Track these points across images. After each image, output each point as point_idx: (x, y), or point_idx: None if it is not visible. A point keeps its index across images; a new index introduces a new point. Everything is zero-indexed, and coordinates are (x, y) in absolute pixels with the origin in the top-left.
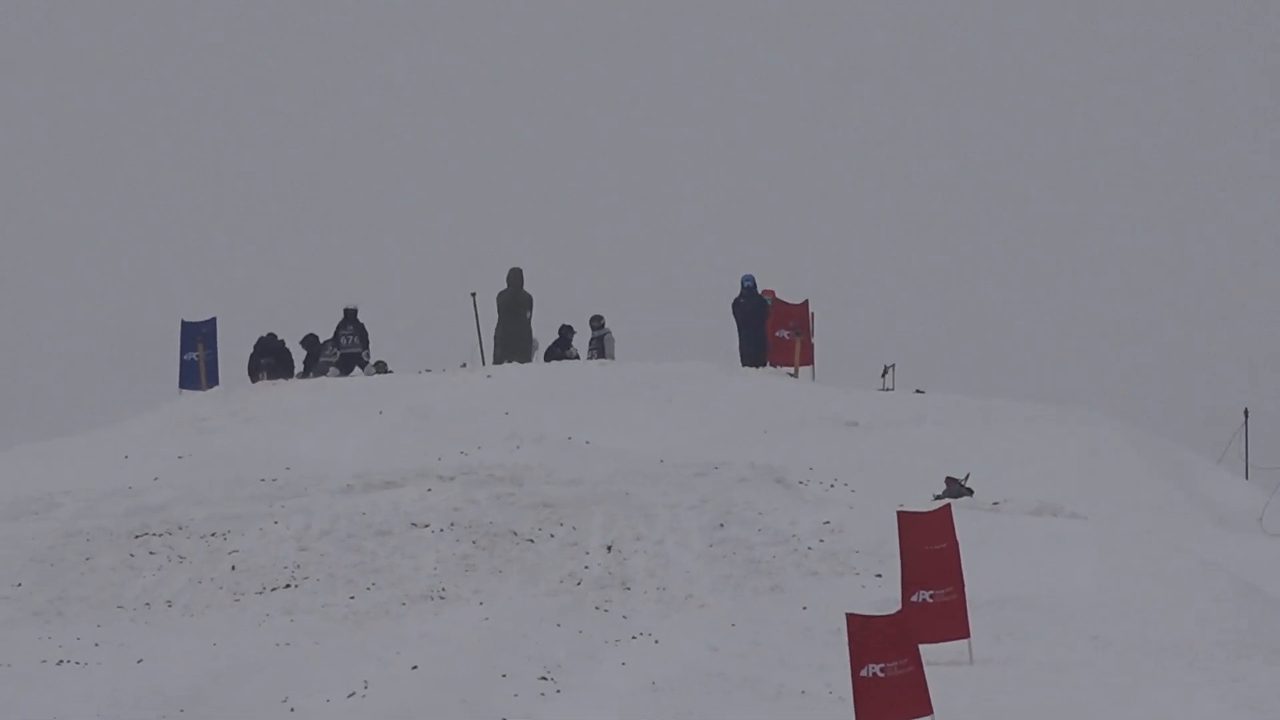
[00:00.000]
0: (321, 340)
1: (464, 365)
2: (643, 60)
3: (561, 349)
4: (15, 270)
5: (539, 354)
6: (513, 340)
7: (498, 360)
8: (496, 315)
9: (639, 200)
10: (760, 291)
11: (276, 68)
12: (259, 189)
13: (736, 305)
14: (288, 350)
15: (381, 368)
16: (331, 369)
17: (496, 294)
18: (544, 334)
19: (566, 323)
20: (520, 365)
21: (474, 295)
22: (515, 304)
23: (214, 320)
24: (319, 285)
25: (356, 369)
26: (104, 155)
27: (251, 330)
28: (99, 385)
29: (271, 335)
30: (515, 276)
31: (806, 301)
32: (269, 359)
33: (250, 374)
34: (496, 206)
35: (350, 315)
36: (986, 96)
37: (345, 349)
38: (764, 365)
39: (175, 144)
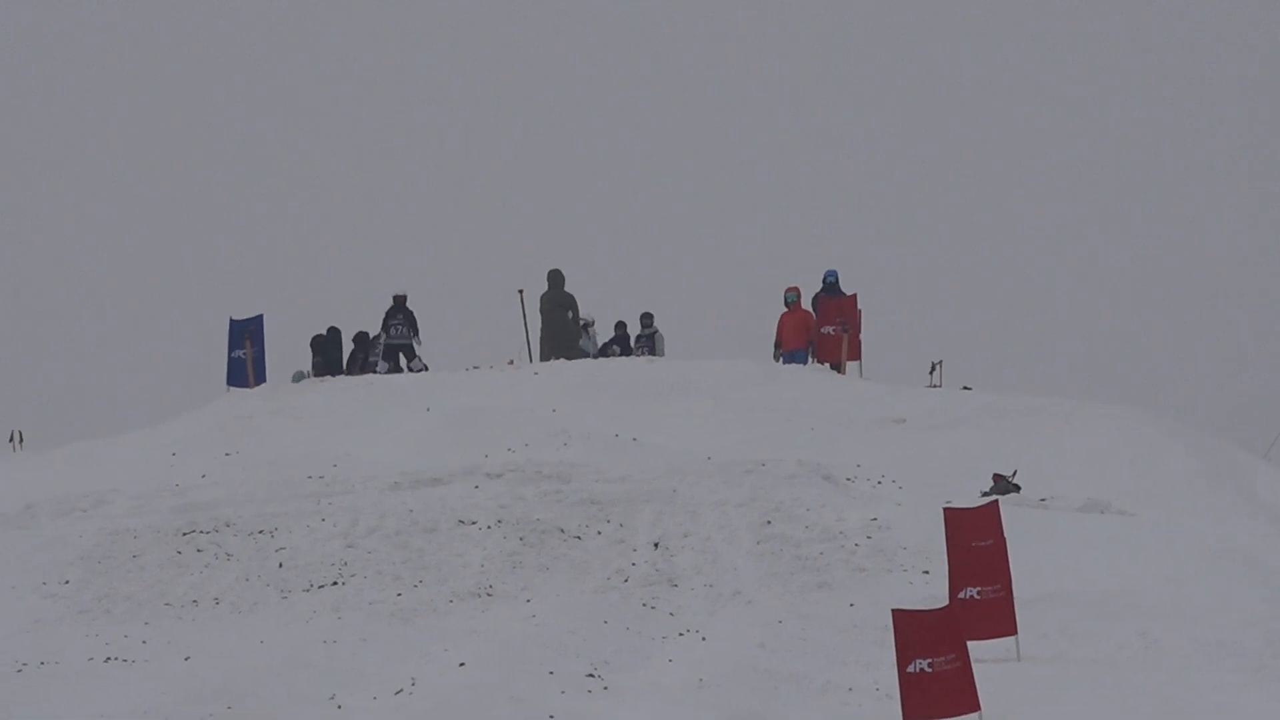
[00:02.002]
0: (372, 335)
1: (511, 362)
2: (690, 61)
3: (623, 346)
4: (64, 270)
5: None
6: (558, 340)
7: (545, 358)
8: (540, 318)
9: (689, 199)
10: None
11: (328, 66)
12: (308, 187)
13: (816, 299)
14: (340, 348)
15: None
16: (380, 363)
17: (540, 295)
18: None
19: (621, 319)
20: (568, 362)
21: (521, 292)
22: (557, 305)
23: (261, 317)
24: (367, 283)
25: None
26: (152, 155)
27: (300, 327)
28: (147, 384)
29: (333, 329)
30: (556, 277)
31: (855, 296)
32: (319, 357)
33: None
34: (543, 205)
35: (400, 303)
36: (1036, 93)
37: (394, 339)
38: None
39: (224, 142)
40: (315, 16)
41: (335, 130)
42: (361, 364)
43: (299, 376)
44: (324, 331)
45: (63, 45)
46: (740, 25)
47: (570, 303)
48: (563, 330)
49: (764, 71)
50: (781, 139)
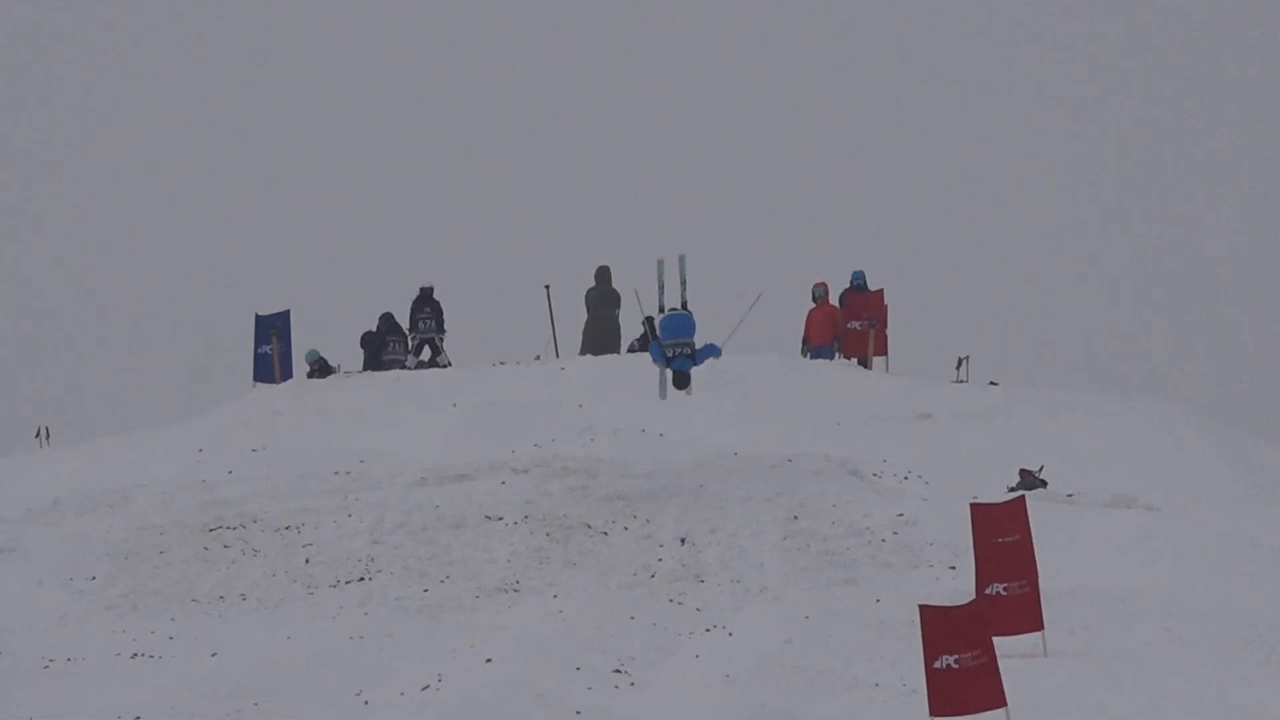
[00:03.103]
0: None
1: (538, 358)
2: (717, 61)
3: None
4: (88, 266)
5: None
6: (603, 337)
7: (588, 353)
8: (586, 312)
9: (716, 195)
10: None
11: (355, 66)
12: (332, 183)
13: (844, 295)
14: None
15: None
16: (410, 358)
17: (585, 291)
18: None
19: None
20: (595, 358)
21: (548, 288)
22: (604, 301)
23: (288, 313)
24: (393, 277)
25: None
26: (172, 149)
27: (326, 322)
28: (173, 379)
29: (386, 316)
30: (604, 274)
31: (881, 291)
32: (369, 353)
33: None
34: (570, 200)
35: (426, 295)
36: (1059, 86)
37: (422, 333)
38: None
39: (246, 138)
40: (348, 14)
41: (360, 127)
42: (378, 353)
43: (312, 355)
44: (373, 329)
45: (102, 45)
46: (778, 28)
47: (617, 299)
48: (610, 327)
49: (790, 73)
50: (807, 137)
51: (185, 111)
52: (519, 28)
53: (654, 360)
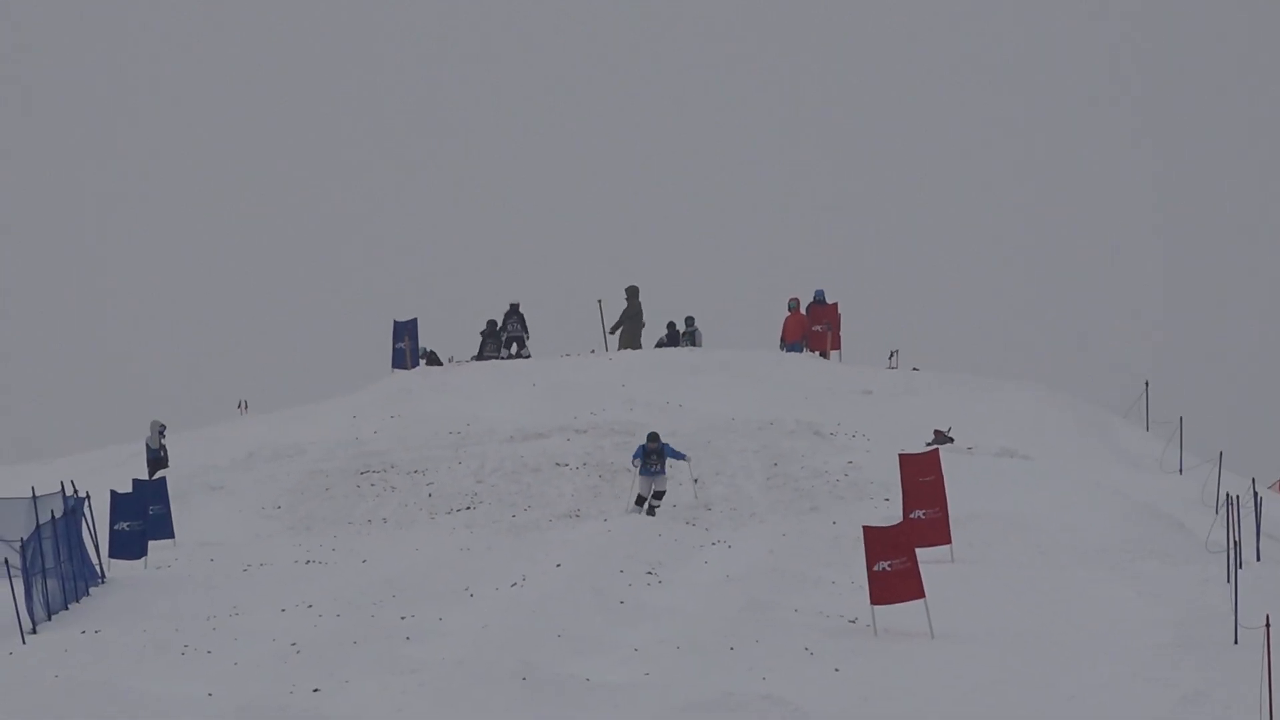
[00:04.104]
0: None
1: (593, 351)
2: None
3: (672, 342)
4: (277, 288)
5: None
6: (634, 336)
7: (622, 349)
8: (621, 320)
9: (719, 233)
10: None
11: (478, 103)
12: (456, 230)
13: (810, 307)
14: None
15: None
16: (503, 350)
17: (622, 308)
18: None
19: (671, 319)
20: (633, 351)
21: (600, 302)
22: (634, 312)
23: (415, 320)
24: (495, 294)
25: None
26: (356, 219)
27: (441, 326)
28: (334, 366)
29: (491, 322)
30: (633, 292)
31: (836, 304)
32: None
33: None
34: (616, 238)
35: (514, 308)
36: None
37: (511, 334)
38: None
39: (410, 204)
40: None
41: (481, 191)
42: (483, 350)
43: (422, 351)
44: (483, 330)
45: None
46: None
47: (641, 310)
48: (638, 329)
49: (754, 127)
50: (784, 187)
51: (372, 185)
52: (609, 89)
53: (634, 457)
